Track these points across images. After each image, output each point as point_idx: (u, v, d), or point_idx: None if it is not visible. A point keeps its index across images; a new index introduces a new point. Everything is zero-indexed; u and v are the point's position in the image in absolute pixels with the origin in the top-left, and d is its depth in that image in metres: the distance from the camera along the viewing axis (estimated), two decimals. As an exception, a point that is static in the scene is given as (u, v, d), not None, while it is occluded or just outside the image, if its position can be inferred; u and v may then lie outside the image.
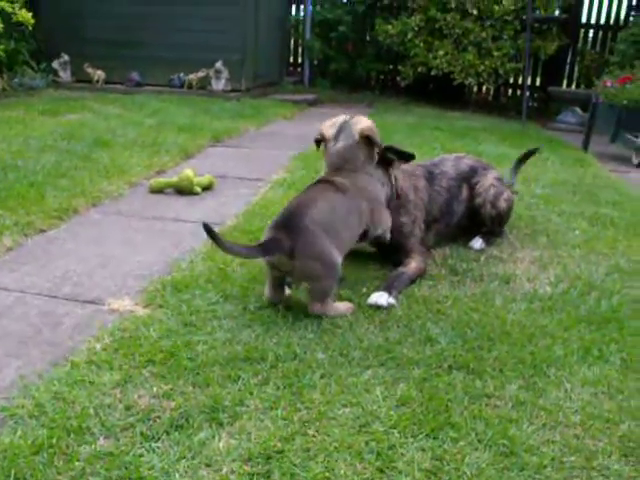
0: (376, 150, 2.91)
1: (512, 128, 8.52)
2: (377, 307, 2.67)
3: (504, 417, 1.97)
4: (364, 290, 2.84)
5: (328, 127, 2.92)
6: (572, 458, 1.82)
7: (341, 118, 2.93)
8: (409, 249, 3.14)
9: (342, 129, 2.86)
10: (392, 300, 2.71)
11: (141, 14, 9.64)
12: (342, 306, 2.62)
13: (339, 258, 2.56)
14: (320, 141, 2.97)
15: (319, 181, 2.83)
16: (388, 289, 2.78)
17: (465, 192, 3.54)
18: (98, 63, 9.71)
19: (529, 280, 3.11)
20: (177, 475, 1.66)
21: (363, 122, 2.89)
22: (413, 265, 3.04)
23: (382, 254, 3.24)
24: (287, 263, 2.48)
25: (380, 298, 2.70)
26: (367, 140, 2.85)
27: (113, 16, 9.69)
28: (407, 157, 3.06)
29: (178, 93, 9.39)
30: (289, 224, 2.50)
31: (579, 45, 11.70)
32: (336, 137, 2.86)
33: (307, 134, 7.02)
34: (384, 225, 2.92)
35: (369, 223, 2.81)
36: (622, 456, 1.84)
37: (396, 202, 3.14)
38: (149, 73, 9.78)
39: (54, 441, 1.74)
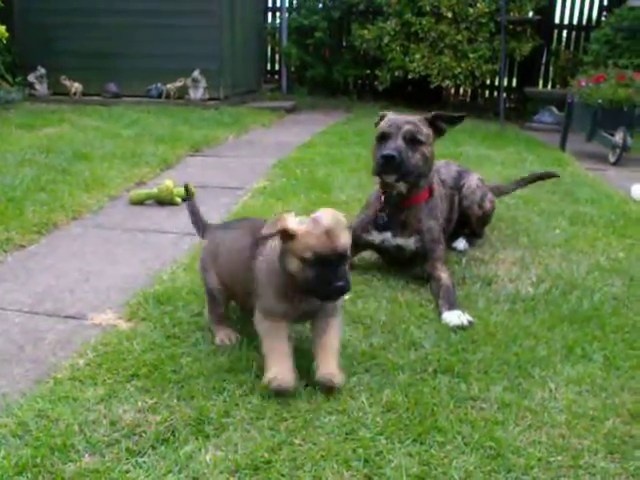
0: None
1: (490, 129, 8.59)
2: (461, 328, 2.57)
3: (490, 419, 1.97)
4: (347, 296, 2.82)
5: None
6: (559, 458, 1.82)
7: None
8: (436, 257, 3.04)
9: None
10: (469, 317, 2.64)
11: (117, 25, 9.58)
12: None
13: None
14: None
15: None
16: (457, 306, 2.71)
17: (457, 199, 3.55)
18: (75, 75, 9.64)
19: (511, 281, 3.13)
20: (164, 490, 1.65)
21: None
22: (444, 277, 2.95)
23: (388, 261, 3.26)
24: None
25: (461, 318, 2.61)
26: None
27: (88, 28, 9.63)
28: (458, 120, 3.09)
29: (156, 103, 9.34)
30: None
31: (553, 45, 11.82)
32: None
33: (286, 141, 7.07)
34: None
35: None
36: (608, 453, 1.85)
37: (430, 204, 3.12)
38: (126, 84, 9.73)
39: (38, 460, 1.72)
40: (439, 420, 1.95)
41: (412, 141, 2.96)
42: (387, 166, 2.93)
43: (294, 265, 2.06)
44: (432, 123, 3.05)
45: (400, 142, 2.94)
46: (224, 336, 2.41)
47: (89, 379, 2.13)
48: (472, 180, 3.62)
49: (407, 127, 2.96)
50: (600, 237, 3.86)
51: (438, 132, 3.08)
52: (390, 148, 2.93)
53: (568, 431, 1.94)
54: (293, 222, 2.05)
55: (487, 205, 3.59)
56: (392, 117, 3.06)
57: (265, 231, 2.07)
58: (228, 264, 2.40)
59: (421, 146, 2.98)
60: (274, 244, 2.15)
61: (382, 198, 3.09)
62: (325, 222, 2.03)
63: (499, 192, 4.07)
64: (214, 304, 2.45)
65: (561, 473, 1.77)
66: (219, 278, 2.42)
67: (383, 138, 3.01)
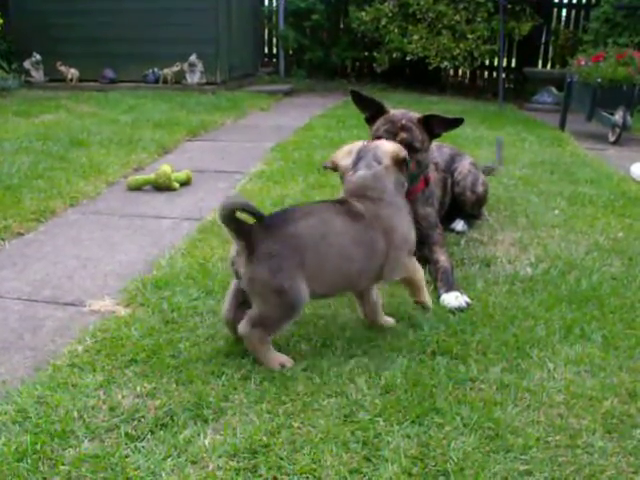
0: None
1: (489, 110, 8.56)
2: (459, 310, 2.58)
3: (488, 400, 1.98)
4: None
5: (343, 156, 2.47)
6: (557, 437, 1.83)
7: (358, 144, 2.47)
8: (433, 242, 3.03)
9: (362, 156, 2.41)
10: (467, 298, 2.66)
11: (113, 10, 9.56)
12: (276, 358, 2.15)
13: (304, 293, 2.10)
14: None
15: (336, 201, 2.36)
16: (455, 287, 2.72)
17: (450, 182, 3.53)
18: (71, 61, 9.62)
19: (510, 262, 3.12)
20: (164, 474, 1.65)
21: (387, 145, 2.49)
22: (443, 259, 2.94)
23: None
24: (241, 260, 2.09)
25: (459, 300, 2.63)
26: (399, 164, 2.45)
27: (84, 13, 9.59)
28: (456, 123, 2.93)
29: (153, 88, 9.33)
30: (270, 224, 2.10)
31: (553, 24, 11.74)
32: (356, 165, 2.42)
33: (283, 125, 7.05)
34: (400, 271, 2.39)
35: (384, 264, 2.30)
36: (606, 433, 1.85)
37: (426, 192, 3.08)
38: (123, 69, 9.71)
39: (38, 446, 1.72)
40: (437, 401, 1.95)
41: (407, 149, 2.88)
42: None
43: None
44: (427, 124, 2.93)
45: None
46: (283, 362, 2.18)
47: (88, 365, 2.13)
48: (464, 165, 3.59)
49: (403, 135, 2.87)
50: (599, 217, 3.85)
51: (432, 135, 2.97)
52: None
53: (566, 411, 1.95)
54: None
55: (480, 189, 3.58)
56: (390, 118, 2.94)
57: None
58: (342, 253, 2.18)
59: (416, 154, 2.89)
60: None
61: None
62: None
63: (489, 172, 4.08)
64: (285, 318, 2.15)
65: (559, 452, 1.77)
66: (315, 282, 2.14)
67: None
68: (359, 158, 2.37)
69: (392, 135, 2.88)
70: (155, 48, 9.60)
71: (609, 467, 1.72)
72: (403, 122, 2.90)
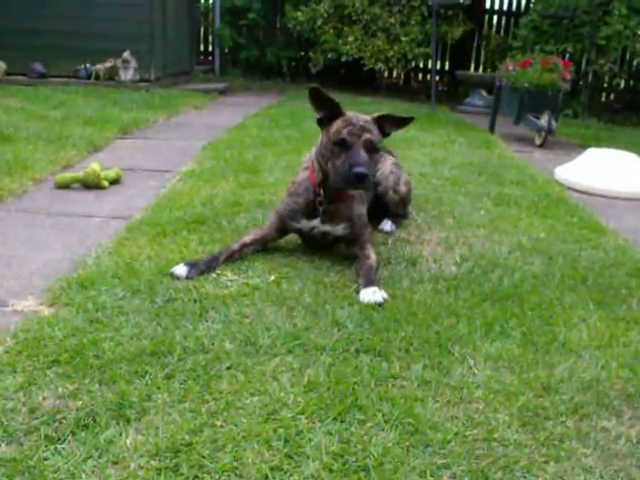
0: None
1: (422, 112, 8.69)
2: (377, 305, 2.62)
3: (409, 396, 2.02)
4: (271, 278, 2.85)
5: None
6: (474, 432, 1.88)
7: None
8: (365, 239, 3.09)
9: None
10: (384, 294, 2.69)
11: (43, 0, 9.29)
12: None
13: None
14: None
15: None
16: (375, 283, 2.76)
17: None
18: (-2, 53, 9.32)
19: (435, 261, 3.19)
20: (84, 475, 1.63)
21: None
22: (373, 257, 2.99)
23: (310, 245, 3.26)
24: None
25: (376, 295, 2.66)
26: None
27: (12, 3, 9.31)
28: (407, 122, 3.07)
29: (85, 84, 9.13)
30: None
31: (484, 30, 12.03)
32: None
33: (217, 124, 7.02)
34: None
35: None
36: (521, 426, 1.92)
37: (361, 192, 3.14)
38: (54, 63, 9.45)
39: (-48, 451, 1.69)
40: (360, 398, 1.99)
41: (371, 150, 2.91)
42: (359, 183, 2.88)
43: None
44: (380, 124, 2.99)
45: (364, 154, 2.86)
46: None
47: (8, 367, 2.08)
48: (386, 165, 3.64)
49: (367, 136, 2.88)
50: (523, 218, 3.98)
51: (384, 135, 3.04)
52: (360, 164, 2.82)
53: (485, 406, 2.01)
54: None
55: (402, 189, 3.64)
56: (349, 119, 2.92)
57: None
58: None
59: (376, 154, 2.98)
60: None
61: (321, 191, 3.07)
62: None
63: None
64: None
65: (476, 446, 1.82)
66: None
67: (344, 145, 2.88)
68: None
69: (356, 137, 2.88)
70: (87, 43, 9.39)
71: (523, 458, 1.78)
72: (362, 123, 2.92)
